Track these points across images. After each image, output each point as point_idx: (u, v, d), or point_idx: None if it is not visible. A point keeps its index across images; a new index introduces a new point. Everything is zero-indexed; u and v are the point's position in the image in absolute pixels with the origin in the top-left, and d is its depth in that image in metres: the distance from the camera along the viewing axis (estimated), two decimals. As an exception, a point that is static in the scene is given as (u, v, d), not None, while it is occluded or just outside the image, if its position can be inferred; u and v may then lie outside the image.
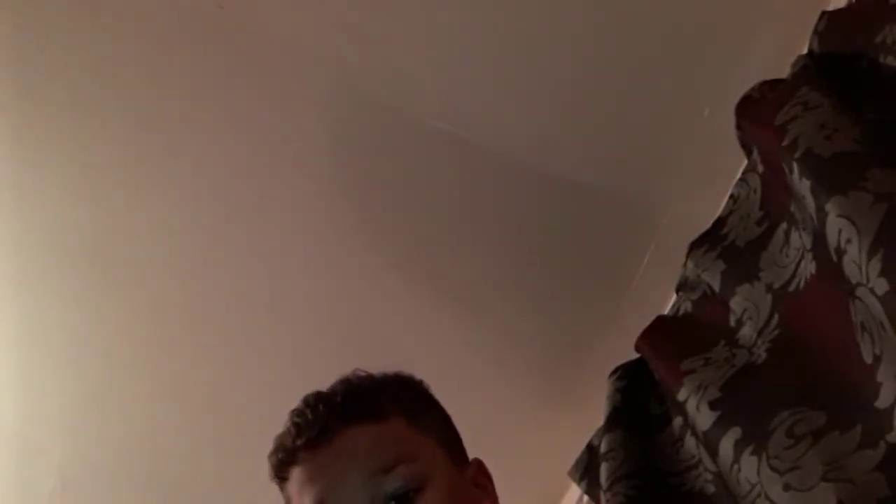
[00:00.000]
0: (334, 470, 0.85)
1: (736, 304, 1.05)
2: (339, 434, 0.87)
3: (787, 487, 0.81)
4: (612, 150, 1.34)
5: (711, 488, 1.02)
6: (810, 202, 0.87)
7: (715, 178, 1.28)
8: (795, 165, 0.90)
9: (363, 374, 0.95)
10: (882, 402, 0.77)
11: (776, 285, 0.99)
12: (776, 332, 0.97)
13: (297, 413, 0.90)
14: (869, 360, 0.79)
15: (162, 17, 1.24)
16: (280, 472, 0.90)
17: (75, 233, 1.45)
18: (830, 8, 1.07)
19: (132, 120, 1.34)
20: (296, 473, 0.88)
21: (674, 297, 1.26)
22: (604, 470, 1.15)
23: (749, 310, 1.02)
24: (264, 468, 0.93)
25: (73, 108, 1.32)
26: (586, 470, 1.30)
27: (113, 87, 1.31)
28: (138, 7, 1.24)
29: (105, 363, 1.60)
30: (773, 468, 0.83)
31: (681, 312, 1.21)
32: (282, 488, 0.90)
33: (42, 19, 1.25)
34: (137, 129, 1.35)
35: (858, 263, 0.78)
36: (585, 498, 1.36)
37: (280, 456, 0.89)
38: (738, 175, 1.16)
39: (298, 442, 0.87)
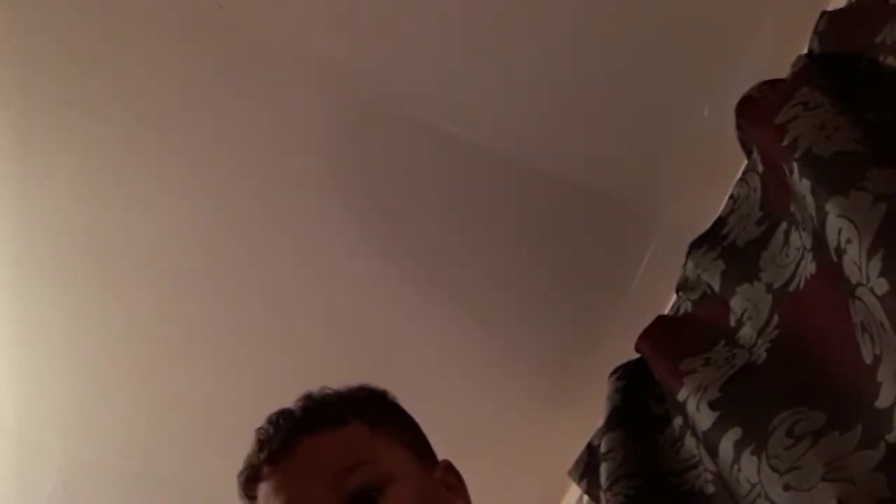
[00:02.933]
0: (297, 479, 0.86)
1: (736, 304, 1.05)
2: (299, 445, 0.87)
3: (787, 487, 0.81)
4: (611, 149, 1.34)
5: (711, 488, 1.02)
6: (810, 202, 0.87)
7: (715, 178, 1.28)
8: (795, 165, 0.90)
9: (326, 388, 0.96)
10: (882, 402, 0.77)
11: (776, 285, 0.99)
12: (776, 332, 0.97)
13: (260, 431, 0.91)
14: (869, 360, 0.79)
15: (161, 17, 1.24)
16: (248, 491, 0.90)
17: (75, 233, 1.45)
18: (830, 8, 1.07)
19: (131, 119, 1.34)
20: (262, 489, 0.88)
21: (674, 297, 1.26)
22: (604, 470, 1.15)
23: (749, 310, 1.02)
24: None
25: (72, 107, 1.32)
26: (586, 470, 1.30)
27: (113, 86, 1.31)
28: (138, 7, 1.24)
29: (105, 363, 1.60)
30: (773, 468, 0.83)
31: (681, 312, 1.21)
32: None
33: (42, 19, 1.25)
34: (136, 128, 1.35)
35: (858, 263, 0.78)
36: (585, 498, 1.36)
37: (246, 474, 0.90)
38: (738, 175, 1.16)
39: (261, 457, 0.88)
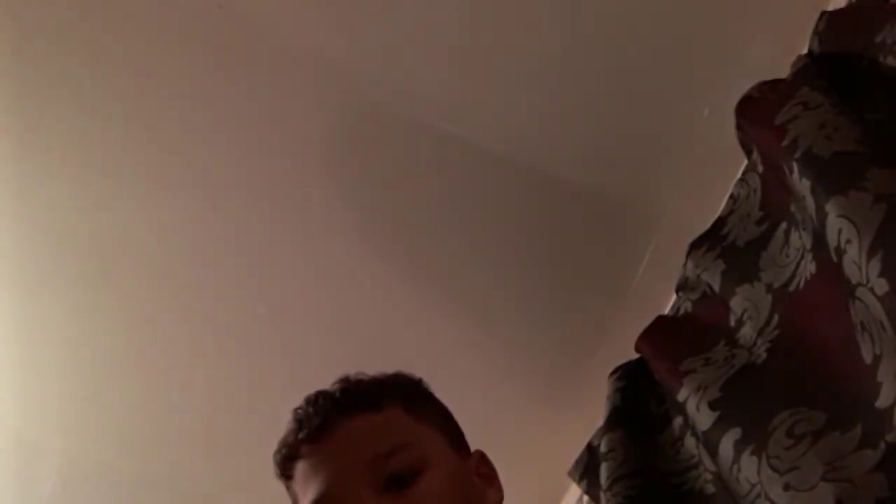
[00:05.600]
0: (336, 460, 0.87)
1: (736, 304, 1.05)
2: (338, 426, 0.88)
3: (787, 487, 0.81)
4: (612, 150, 1.34)
5: (711, 488, 1.02)
6: (810, 202, 0.87)
7: (715, 178, 1.28)
8: (795, 165, 0.90)
9: (361, 373, 0.97)
10: (882, 402, 0.77)
11: (776, 285, 0.99)
12: (776, 332, 0.97)
13: (298, 410, 0.92)
14: (869, 359, 0.79)
15: (161, 17, 1.24)
16: (285, 470, 0.91)
17: (75, 233, 1.45)
18: (830, 8, 1.07)
19: (131, 120, 1.34)
20: (299, 468, 0.89)
21: (674, 297, 1.26)
22: (604, 470, 1.15)
23: (749, 310, 1.02)
24: (265, 467, 0.93)
25: (72, 108, 1.32)
26: (586, 470, 1.30)
27: (112, 87, 1.31)
28: (138, 7, 1.24)
29: (105, 363, 1.60)
30: (773, 468, 0.83)
31: (681, 312, 1.21)
32: (287, 487, 0.91)
33: (42, 20, 1.25)
34: (136, 129, 1.35)
35: (858, 263, 0.78)
36: (585, 498, 1.36)
37: (284, 452, 0.91)
38: (738, 175, 1.16)
39: (300, 436, 0.89)
